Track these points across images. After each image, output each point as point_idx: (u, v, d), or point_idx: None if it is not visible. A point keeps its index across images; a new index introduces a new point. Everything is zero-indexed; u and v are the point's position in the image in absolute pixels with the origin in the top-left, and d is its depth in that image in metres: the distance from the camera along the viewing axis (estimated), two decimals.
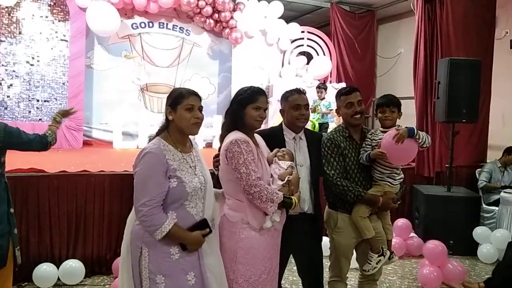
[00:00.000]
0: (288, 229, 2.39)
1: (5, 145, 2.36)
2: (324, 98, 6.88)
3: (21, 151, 2.50)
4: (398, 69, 8.10)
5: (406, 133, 2.46)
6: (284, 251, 2.43)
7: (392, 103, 2.63)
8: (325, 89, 7.02)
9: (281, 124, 2.62)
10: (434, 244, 4.00)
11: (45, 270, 3.52)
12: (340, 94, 2.69)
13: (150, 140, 2.03)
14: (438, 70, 5.15)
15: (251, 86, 2.36)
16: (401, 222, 4.76)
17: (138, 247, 1.98)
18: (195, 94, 2.05)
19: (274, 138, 2.51)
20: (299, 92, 2.56)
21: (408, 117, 5.53)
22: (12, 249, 2.40)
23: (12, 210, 2.44)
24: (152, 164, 1.92)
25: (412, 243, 4.62)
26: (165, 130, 2.05)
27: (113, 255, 3.89)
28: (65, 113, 2.85)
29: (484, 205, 5.02)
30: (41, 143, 2.53)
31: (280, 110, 2.62)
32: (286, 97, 2.56)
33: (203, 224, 2.01)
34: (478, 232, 4.67)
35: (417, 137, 2.49)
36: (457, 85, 4.82)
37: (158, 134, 2.05)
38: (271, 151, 2.41)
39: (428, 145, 2.56)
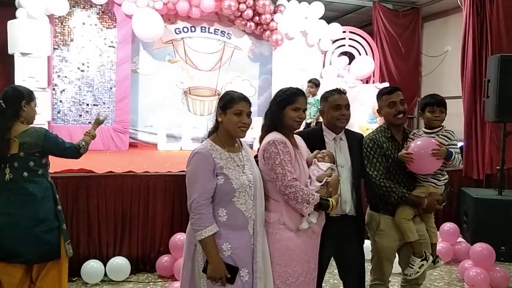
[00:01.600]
0: (329, 231, 2.38)
1: (44, 149, 2.55)
2: (316, 95, 6.15)
3: (56, 156, 2.67)
4: (444, 67, 7.80)
5: (445, 154, 2.41)
6: (324, 253, 2.41)
7: (442, 103, 2.56)
8: (317, 84, 6.28)
9: (321, 124, 2.60)
10: (481, 247, 3.94)
11: (92, 267, 3.69)
12: (381, 93, 2.64)
13: (201, 142, 2.16)
14: (488, 67, 4.91)
15: (290, 87, 2.37)
16: (449, 226, 4.58)
17: (192, 244, 2.08)
18: (245, 100, 2.15)
19: (314, 139, 2.49)
20: (339, 92, 2.53)
21: (456, 116, 5.36)
22: (63, 243, 2.59)
23: (59, 207, 2.62)
24: (200, 163, 2.05)
25: (460, 248, 4.42)
26: (215, 132, 2.17)
27: (157, 253, 4.01)
28: (98, 123, 3.01)
29: None
30: (75, 152, 2.71)
31: (320, 111, 2.61)
32: (326, 97, 2.54)
33: (233, 270, 2.02)
34: None
35: (450, 162, 2.46)
36: (508, 83, 4.58)
37: (209, 135, 2.18)
38: (311, 152, 2.40)
39: (455, 168, 2.61)
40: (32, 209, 2.48)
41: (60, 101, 6.81)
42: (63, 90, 6.83)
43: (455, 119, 4.45)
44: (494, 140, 5.24)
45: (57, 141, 2.61)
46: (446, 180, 2.57)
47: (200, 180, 2.02)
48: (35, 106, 2.66)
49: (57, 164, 4.06)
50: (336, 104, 2.47)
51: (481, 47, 5.42)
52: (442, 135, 2.52)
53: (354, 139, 2.60)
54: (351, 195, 2.47)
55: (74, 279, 3.72)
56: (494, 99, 4.64)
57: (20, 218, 2.45)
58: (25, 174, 2.48)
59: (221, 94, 2.22)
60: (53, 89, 6.69)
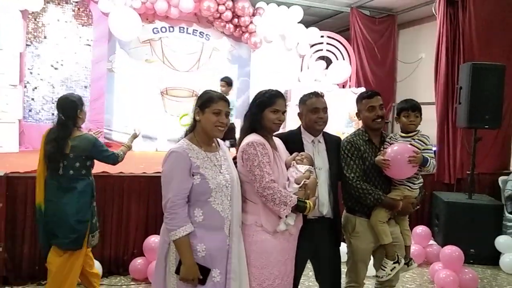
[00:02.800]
0: (306, 233, 2.39)
1: (90, 154, 2.97)
2: (228, 94, 5.85)
3: (98, 161, 3.06)
4: (418, 74, 7.98)
5: (421, 161, 2.47)
6: (301, 255, 2.42)
7: (416, 108, 2.61)
8: (229, 83, 6.01)
9: (299, 127, 2.62)
10: (451, 250, 4.06)
11: None
12: (361, 97, 2.68)
13: (178, 141, 2.13)
14: (460, 75, 5.05)
15: (269, 89, 2.37)
16: (420, 229, 4.68)
17: (166, 242, 2.05)
18: (224, 100, 2.14)
19: (293, 141, 2.51)
20: (317, 95, 2.55)
21: (429, 122, 5.46)
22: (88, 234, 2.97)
23: (94, 203, 3.05)
24: (176, 162, 2.02)
25: (431, 251, 4.53)
26: (192, 131, 2.14)
27: (130, 256, 3.95)
28: (134, 137, 3.52)
29: (507, 214, 4.87)
30: (113, 160, 3.10)
31: (298, 114, 2.62)
32: (304, 100, 2.56)
33: (205, 271, 2.01)
34: (501, 241, 4.56)
35: (426, 168, 2.53)
36: (480, 90, 4.72)
37: (186, 134, 2.16)
38: (290, 154, 2.41)
39: (428, 173, 2.67)
40: (71, 200, 2.87)
41: (32, 99, 6.62)
42: (35, 88, 6.64)
43: (428, 124, 4.52)
44: (465, 146, 5.38)
45: (103, 150, 3.03)
46: (421, 184, 2.62)
47: (176, 179, 1.99)
48: (84, 108, 3.08)
49: (26, 166, 3.96)
50: (314, 107, 2.50)
51: (453, 55, 5.57)
52: (417, 139, 2.58)
53: (332, 141, 2.62)
54: (328, 197, 2.49)
55: (43, 282, 3.61)
56: (466, 105, 4.77)
57: (62, 206, 2.85)
58: (71, 172, 2.90)
59: (200, 93, 2.19)
60: (25, 87, 6.50)
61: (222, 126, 2.11)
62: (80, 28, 6.84)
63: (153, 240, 3.78)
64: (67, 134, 2.90)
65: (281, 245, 2.23)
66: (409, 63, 8.21)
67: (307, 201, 2.19)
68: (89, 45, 6.88)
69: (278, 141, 2.43)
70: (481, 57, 5.31)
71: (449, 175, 5.53)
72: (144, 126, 7.09)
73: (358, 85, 7.94)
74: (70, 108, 2.95)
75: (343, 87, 8.06)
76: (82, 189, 2.92)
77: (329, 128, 2.66)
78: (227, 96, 5.83)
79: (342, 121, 6.85)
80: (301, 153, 2.40)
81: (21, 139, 6.27)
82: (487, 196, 5.19)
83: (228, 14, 7.35)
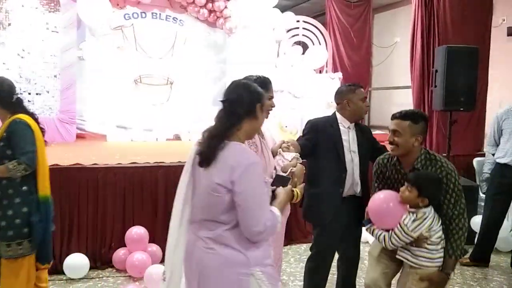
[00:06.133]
0: (342, 210, 2.64)
1: None
2: None
3: None
4: (394, 58, 8.05)
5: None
6: (338, 230, 2.70)
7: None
8: None
9: (334, 113, 2.80)
10: None
11: None
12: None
13: (212, 143, 1.68)
14: (436, 58, 5.08)
15: (259, 76, 2.30)
16: None
17: (247, 275, 1.67)
18: None
19: (331, 126, 2.71)
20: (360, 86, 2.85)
21: (406, 106, 5.49)
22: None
23: None
24: (262, 177, 1.70)
25: None
26: (235, 132, 1.72)
27: (107, 249, 3.85)
28: None
29: (481, 194, 4.98)
30: None
31: (343, 102, 2.73)
32: (353, 90, 2.75)
33: (284, 180, 1.88)
34: (476, 221, 4.66)
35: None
36: (454, 73, 4.75)
37: (225, 136, 1.70)
38: (326, 138, 2.56)
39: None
40: None
41: None
42: None
43: (405, 108, 4.57)
44: (441, 128, 5.46)
45: None
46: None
47: (267, 196, 1.70)
48: None
49: None
50: (364, 96, 2.79)
51: (429, 38, 5.61)
52: None
53: (359, 128, 2.83)
54: (359, 179, 2.72)
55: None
56: (441, 88, 4.80)
57: None
58: None
59: (248, 85, 1.82)
60: None
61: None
62: (47, 14, 6.54)
63: (135, 231, 3.75)
64: None
65: None
66: (384, 47, 8.25)
67: (294, 189, 2.10)
68: (56, 32, 6.59)
69: (264, 128, 2.36)
70: (455, 40, 5.36)
71: None
72: (118, 115, 6.95)
73: (335, 69, 7.94)
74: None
75: (320, 72, 8.04)
76: None
77: (310, 114, 2.70)
78: None
79: (321, 106, 6.82)
80: (287, 140, 2.37)
81: None
82: (462, 177, 5.27)
83: None
